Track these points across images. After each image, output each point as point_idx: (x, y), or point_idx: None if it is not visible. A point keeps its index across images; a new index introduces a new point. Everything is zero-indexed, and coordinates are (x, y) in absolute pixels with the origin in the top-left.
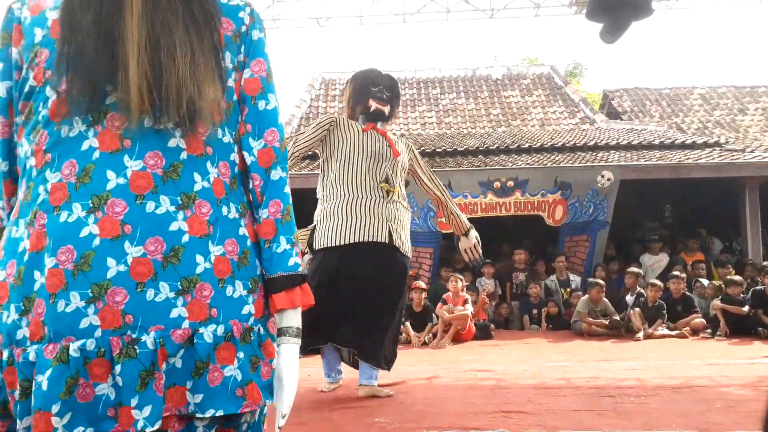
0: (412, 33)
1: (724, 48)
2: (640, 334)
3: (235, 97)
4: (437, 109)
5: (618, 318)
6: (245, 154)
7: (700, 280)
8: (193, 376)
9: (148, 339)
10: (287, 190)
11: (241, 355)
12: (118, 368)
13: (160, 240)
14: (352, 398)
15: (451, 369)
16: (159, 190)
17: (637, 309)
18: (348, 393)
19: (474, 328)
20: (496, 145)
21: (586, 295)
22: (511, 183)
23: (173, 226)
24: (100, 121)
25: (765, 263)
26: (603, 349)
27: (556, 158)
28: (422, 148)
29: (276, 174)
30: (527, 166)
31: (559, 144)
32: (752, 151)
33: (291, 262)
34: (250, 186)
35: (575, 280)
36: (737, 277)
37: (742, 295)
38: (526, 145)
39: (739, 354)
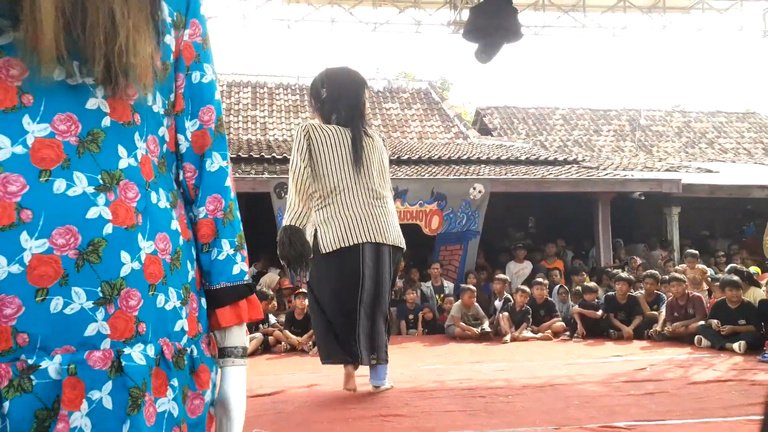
0: (296, 39)
1: (583, 73)
2: (508, 337)
3: (172, 58)
4: None
5: (487, 325)
6: (179, 137)
7: (564, 286)
8: (128, 415)
9: (51, 365)
10: (229, 183)
11: (174, 382)
12: (6, 406)
13: (74, 230)
14: None
15: (330, 376)
16: (72, 164)
17: (506, 313)
18: None
19: None
20: None
21: (459, 300)
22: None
23: (92, 213)
24: None
25: (617, 271)
26: (474, 352)
27: (433, 170)
28: None
29: (213, 163)
30: (406, 177)
31: (436, 157)
32: (605, 169)
33: (236, 270)
34: (181, 177)
35: (449, 286)
36: (593, 284)
37: (597, 300)
38: (406, 157)
39: (594, 354)
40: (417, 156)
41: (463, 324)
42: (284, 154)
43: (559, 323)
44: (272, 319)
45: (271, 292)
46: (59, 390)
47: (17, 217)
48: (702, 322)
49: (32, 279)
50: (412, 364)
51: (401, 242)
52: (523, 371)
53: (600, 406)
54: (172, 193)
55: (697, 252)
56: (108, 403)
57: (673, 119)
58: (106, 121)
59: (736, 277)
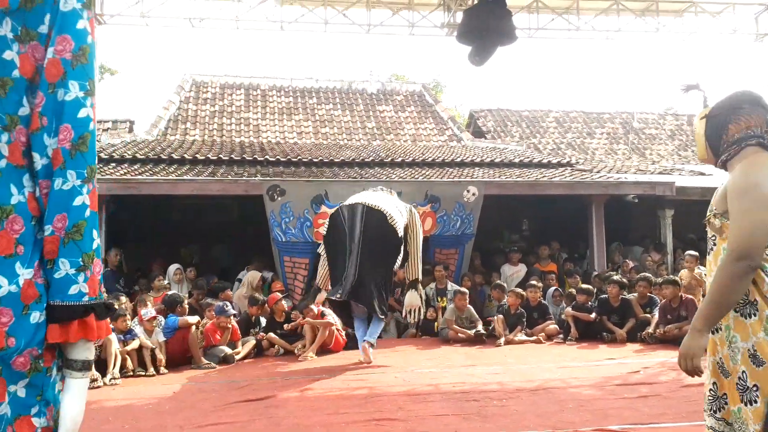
0: (289, 41)
1: (577, 76)
2: (502, 340)
3: (17, 74)
4: (314, 119)
5: (481, 327)
6: (35, 155)
7: (558, 288)
8: None
9: None
10: (81, 202)
11: (16, 390)
12: None
13: None
14: (225, 414)
15: (324, 380)
16: None
17: (500, 316)
18: (215, 411)
19: (342, 338)
20: (371, 158)
21: (452, 304)
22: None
23: None
24: None
25: (610, 273)
26: (468, 355)
27: (427, 173)
28: (299, 157)
29: (62, 182)
30: (400, 179)
31: (430, 159)
32: (598, 172)
33: (73, 291)
34: (37, 193)
35: (452, 289)
36: (587, 286)
37: (590, 303)
38: (400, 159)
39: (587, 357)
40: (411, 158)
41: (457, 327)
42: (277, 157)
43: (552, 326)
44: (263, 322)
45: (262, 297)
46: None
47: None
48: None
49: None
50: (405, 367)
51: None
52: (517, 375)
53: (594, 409)
54: (3, 209)
55: (696, 253)
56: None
57: (666, 122)
58: None
59: None
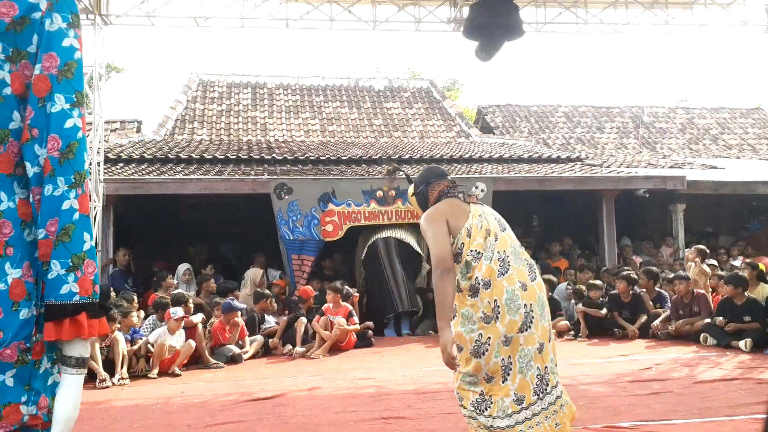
0: (295, 39)
1: (585, 70)
2: None
3: (8, 92)
4: (321, 117)
5: None
6: (27, 164)
7: (571, 284)
8: None
9: None
10: (68, 206)
11: (4, 379)
12: None
13: None
14: (233, 413)
15: (332, 379)
16: None
17: None
18: (223, 410)
19: (354, 337)
20: (378, 155)
21: None
22: (392, 192)
23: None
24: None
25: (619, 268)
26: None
27: None
28: (306, 155)
29: (52, 188)
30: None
31: (438, 156)
32: (608, 166)
33: (64, 290)
34: (31, 199)
35: None
36: (597, 282)
37: (601, 299)
38: (407, 156)
39: (598, 354)
40: (419, 155)
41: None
42: (284, 155)
43: (563, 322)
44: (271, 320)
45: (268, 291)
46: None
47: None
48: (708, 320)
49: None
50: (414, 365)
51: None
52: None
53: (605, 406)
54: None
55: (702, 247)
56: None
57: (676, 115)
58: None
59: (743, 274)
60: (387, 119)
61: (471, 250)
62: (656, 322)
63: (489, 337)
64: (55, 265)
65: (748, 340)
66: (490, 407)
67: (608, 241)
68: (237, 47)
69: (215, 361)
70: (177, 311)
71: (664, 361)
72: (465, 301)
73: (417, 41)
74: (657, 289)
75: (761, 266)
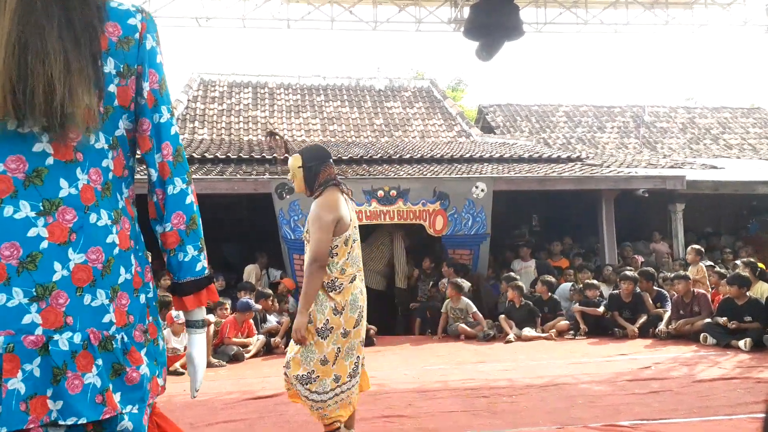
0: (296, 39)
1: (586, 70)
2: (511, 336)
3: (116, 103)
4: (322, 117)
5: (485, 324)
6: (151, 170)
7: (575, 284)
8: (52, 384)
9: None
10: (189, 200)
11: (99, 362)
12: None
13: (17, 245)
14: (235, 411)
15: None
16: (19, 194)
17: (503, 315)
18: (225, 408)
19: None
20: (379, 155)
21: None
22: (393, 192)
23: (32, 232)
24: None
25: (627, 268)
26: (478, 352)
27: (435, 169)
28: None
29: (173, 188)
30: (408, 176)
31: (438, 155)
32: (608, 166)
33: (198, 267)
34: (155, 199)
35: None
36: (594, 281)
37: (598, 298)
38: (408, 156)
39: (598, 353)
40: (419, 155)
41: (464, 326)
42: (285, 155)
43: (563, 322)
44: (272, 320)
45: (269, 291)
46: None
47: None
48: (708, 320)
49: None
50: (415, 364)
51: None
52: (527, 371)
53: (604, 405)
54: (116, 211)
55: (699, 247)
56: (37, 373)
57: (677, 115)
58: (50, 160)
59: (744, 273)
60: (388, 119)
61: (341, 257)
62: (661, 326)
63: (332, 327)
64: (189, 249)
65: (748, 339)
66: (312, 383)
67: (608, 241)
68: (238, 47)
69: (218, 360)
70: (179, 315)
71: (663, 361)
72: (325, 291)
73: (422, 41)
74: (657, 288)
75: (761, 266)
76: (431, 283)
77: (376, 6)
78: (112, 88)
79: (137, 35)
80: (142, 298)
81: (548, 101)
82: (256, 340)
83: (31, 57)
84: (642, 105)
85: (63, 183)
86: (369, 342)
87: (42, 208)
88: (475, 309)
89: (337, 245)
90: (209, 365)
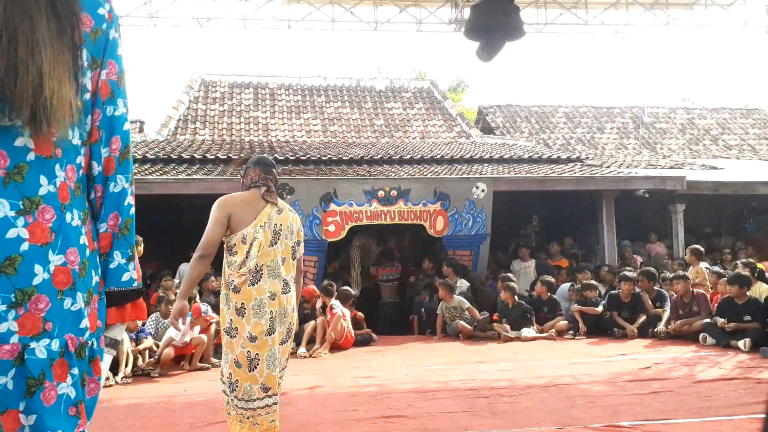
0: (297, 39)
1: (586, 70)
2: (511, 334)
3: (87, 96)
4: (322, 117)
5: (473, 313)
6: (94, 163)
7: (574, 284)
8: (26, 396)
9: None
10: (128, 202)
11: (75, 371)
12: None
13: None
14: None
15: (334, 377)
16: (1, 193)
17: (496, 314)
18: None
19: (352, 335)
20: (380, 155)
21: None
22: (394, 192)
23: (11, 233)
24: None
25: (626, 269)
26: (478, 352)
27: (435, 170)
28: (308, 155)
29: (114, 185)
30: (408, 176)
31: (438, 156)
32: (608, 167)
33: (125, 278)
34: (92, 196)
35: (461, 285)
36: (592, 281)
37: (597, 298)
38: (408, 156)
39: (598, 353)
40: (419, 155)
41: (463, 323)
42: (286, 155)
43: (562, 322)
44: None
45: None
46: None
47: None
48: (707, 320)
49: None
50: (415, 364)
51: None
52: (527, 371)
53: (604, 405)
54: (84, 211)
55: (698, 247)
56: (10, 386)
57: (676, 116)
58: (31, 156)
59: (745, 272)
60: (388, 119)
61: (240, 256)
62: (660, 326)
63: (236, 327)
64: (117, 255)
65: (748, 339)
66: (236, 390)
67: (608, 241)
68: (239, 48)
69: (218, 360)
70: (208, 310)
71: (663, 361)
72: (228, 289)
73: (422, 42)
74: (656, 288)
75: (760, 266)
76: (424, 284)
77: (376, 7)
78: (85, 80)
79: (104, 26)
80: (67, 302)
81: (548, 102)
82: None
83: (21, 46)
84: (641, 106)
85: (43, 180)
86: (367, 338)
87: (22, 206)
88: (468, 305)
89: (235, 243)
90: (211, 365)
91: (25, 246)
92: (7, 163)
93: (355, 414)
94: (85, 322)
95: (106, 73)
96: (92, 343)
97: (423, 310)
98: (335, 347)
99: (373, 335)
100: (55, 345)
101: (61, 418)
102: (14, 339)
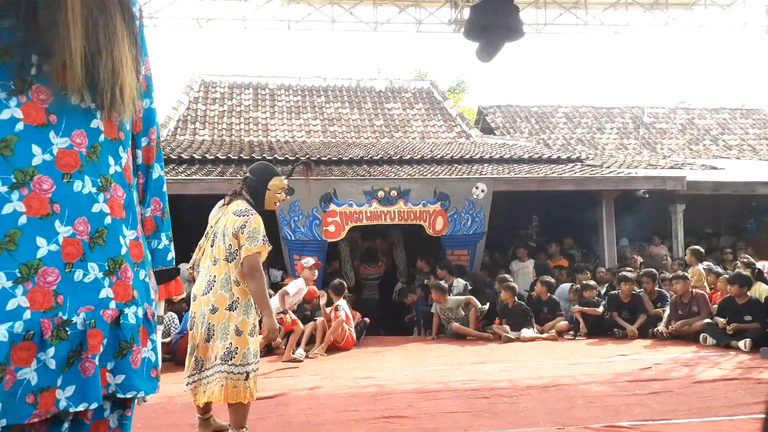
0: (296, 40)
1: (586, 71)
2: (511, 335)
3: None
4: (322, 118)
5: (471, 302)
6: (137, 152)
7: (574, 284)
8: (115, 357)
9: (78, 320)
10: (165, 188)
11: (153, 336)
12: (51, 351)
13: (86, 221)
14: None
15: (333, 378)
16: (84, 170)
17: (497, 317)
18: (226, 409)
19: (353, 336)
20: (379, 156)
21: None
22: (394, 192)
23: (95, 208)
24: (24, 91)
25: (627, 270)
26: (478, 353)
27: (435, 170)
28: (307, 156)
29: (155, 172)
30: (408, 176)
31: (438, 156)
32: (608, 167)
33: (169, 257)
34: (134, 183)
35: (458, 285)
36: (592, 282)
37: (597, 298)
38: (408, 157)
39: (598, 353)
40: (419, 156)
41: (458, 325)
42: (286, 156)
43: (563, 322)
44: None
45: (271, 291)
46: (83, 337)
47: (50, 209)
48: (707, 320)
49: (64, 256)
50: (415, 365)
51: None
52: (527, 372)
53: (604, 405)
54: (136, 194)
55: (698, 248)
56: (104, 344)
57: (676, 116)
58: (102, 137)
59: (745, 272)
60: (388, 120)
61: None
62: (660, 326)
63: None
64: (163, 237)
65: (748, 340)
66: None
67: (608, 241)
68: (239, 48)
69: (301, 355)
70: (309, 260)
71: (663, 361)
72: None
73: (423, 42)
74: (657, 288)
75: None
76: (418, 284)
77: (376, 7)
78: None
79: (138, 23)
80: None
81: (548, 102)
82: None
83: (101, 34)
84: (641, 106)
85: (110, 160)
86: (362, 326)
87: (100, 183)
88: (462, 300)
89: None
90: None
91: (108, 219)
92: (87, 143)
93: (355, 414)
94: (153, 295)
95: (145, 68)
96: (154, 314)
97: (414, 311)
98: (335, 348)
99: (366, 319)
100: (140, 312)
101: (144, 379)
102: (113, 305)
